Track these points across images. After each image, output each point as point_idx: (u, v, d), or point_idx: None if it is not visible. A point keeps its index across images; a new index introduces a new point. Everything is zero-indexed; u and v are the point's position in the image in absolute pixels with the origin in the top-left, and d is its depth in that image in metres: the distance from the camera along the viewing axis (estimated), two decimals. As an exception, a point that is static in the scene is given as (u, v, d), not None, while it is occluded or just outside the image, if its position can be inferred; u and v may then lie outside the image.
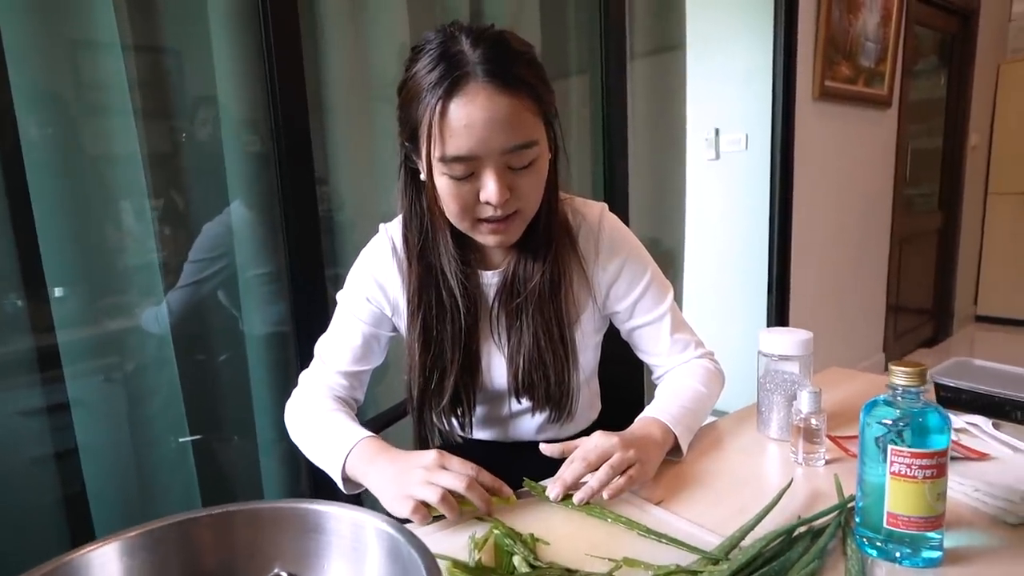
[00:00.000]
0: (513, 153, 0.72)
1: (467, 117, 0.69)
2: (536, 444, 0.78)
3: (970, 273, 4.19)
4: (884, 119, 3.09)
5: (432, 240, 0.82)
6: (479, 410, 0.93)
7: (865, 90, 2.86)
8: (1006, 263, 4.12)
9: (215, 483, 1.35)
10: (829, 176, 2.77)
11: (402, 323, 0.88)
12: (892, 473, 0.57)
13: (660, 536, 0.63)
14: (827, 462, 0.79)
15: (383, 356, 0.94)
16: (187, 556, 0.51)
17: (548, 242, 0.83)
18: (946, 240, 3.90)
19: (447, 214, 0.77)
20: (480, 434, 0.98)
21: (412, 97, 0.72)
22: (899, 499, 0.57)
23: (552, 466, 0.76)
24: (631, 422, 0.83)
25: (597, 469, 0.71)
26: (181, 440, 1.27)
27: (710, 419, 0.94)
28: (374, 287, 0.88)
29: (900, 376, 0.58)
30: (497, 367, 0.89)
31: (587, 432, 0.79)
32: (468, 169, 0.72)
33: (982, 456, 0.79)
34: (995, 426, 0.86)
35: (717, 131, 2.67)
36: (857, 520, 0.62)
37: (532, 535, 0.64)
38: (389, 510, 0.69)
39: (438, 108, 0.69)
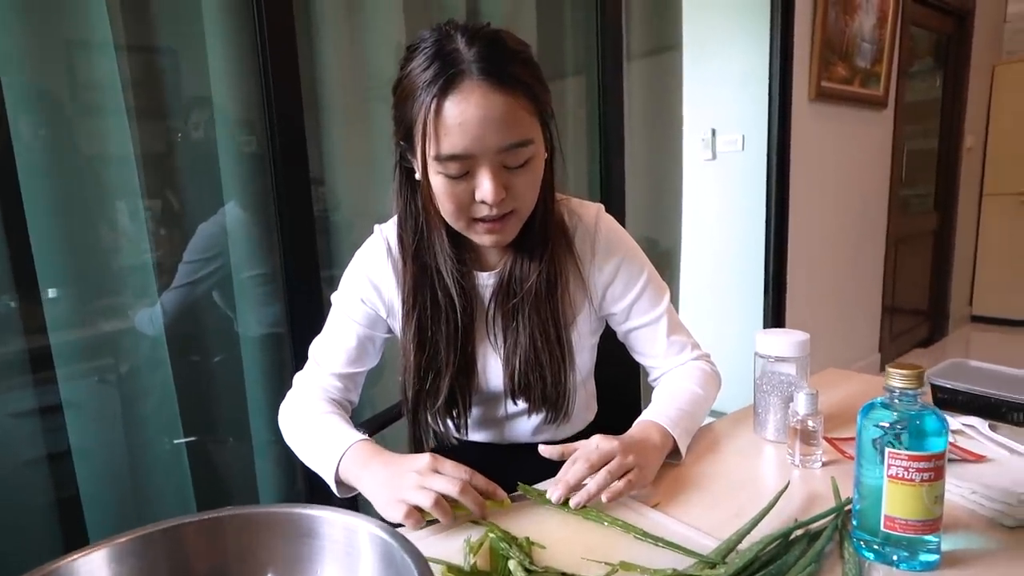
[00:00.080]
0: (508, 152, 0.71)
1: (462, 115, 0.68)
2: (532, 446, 0.77)
3: (965, 273, 4.21)
4: (880, 120, 3.10)
5: (427, 240, 0.82)
6: (475, 411, 0.93)
7: (861, 91, 2.86)
8: (1001, 263, 4.14)
9: (210, 485, 1.34)
10: (825, 177, 2.78)
11: (397, 324, 0.88)
12: (889, 476, 0.57)
13: (656, 540, 0.62)
14: (824, 464, 0.79)
15: (378, 358, 0.93)
16: (177, 562, 0.51)
17: (544, 242, 0.83)
18: (942, 241, 3.92)
19: (442, 213, 0.77)
20: (476, 436, 0.97)
21: (407, 95, 0.72)
22: (896, 502, 0.56)
23: (547, 469, 0.76)
24: (628, 423, 0.82)
25: (597, 472, 0.70)
26: (175, 442, 1.27)
27: (707, 421, 0.93)
28: (369, 288, 0.88)
29: (897, 378, 0.57)
30: (493, 368, 0.89)
31: (583, 434, 0.78)
32: (463, 168, 0.72)
33: (979, 458, 0.79)
34: (992, 428, 0.86)
35: (713, 132, 2.67)
36: (854, 523, 0.61)
37: (528, 539, 0.64)
38: (382, 514, 0.69)
39: (433, 106, 0.68)
